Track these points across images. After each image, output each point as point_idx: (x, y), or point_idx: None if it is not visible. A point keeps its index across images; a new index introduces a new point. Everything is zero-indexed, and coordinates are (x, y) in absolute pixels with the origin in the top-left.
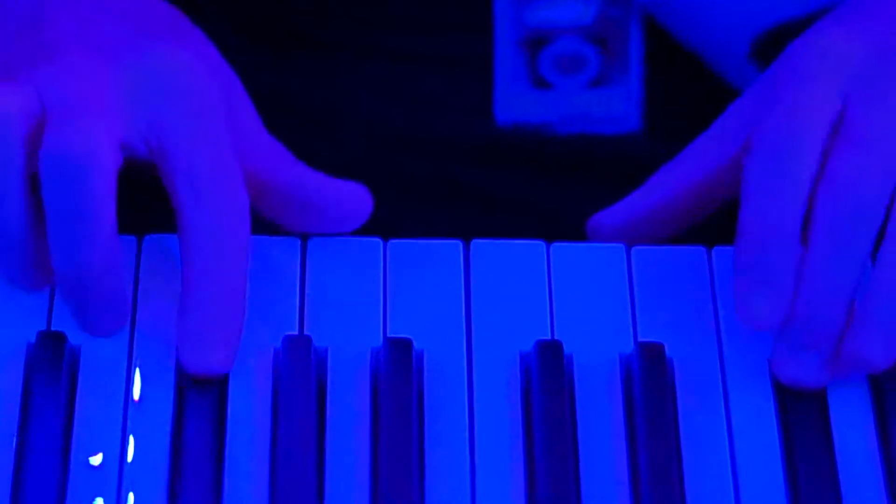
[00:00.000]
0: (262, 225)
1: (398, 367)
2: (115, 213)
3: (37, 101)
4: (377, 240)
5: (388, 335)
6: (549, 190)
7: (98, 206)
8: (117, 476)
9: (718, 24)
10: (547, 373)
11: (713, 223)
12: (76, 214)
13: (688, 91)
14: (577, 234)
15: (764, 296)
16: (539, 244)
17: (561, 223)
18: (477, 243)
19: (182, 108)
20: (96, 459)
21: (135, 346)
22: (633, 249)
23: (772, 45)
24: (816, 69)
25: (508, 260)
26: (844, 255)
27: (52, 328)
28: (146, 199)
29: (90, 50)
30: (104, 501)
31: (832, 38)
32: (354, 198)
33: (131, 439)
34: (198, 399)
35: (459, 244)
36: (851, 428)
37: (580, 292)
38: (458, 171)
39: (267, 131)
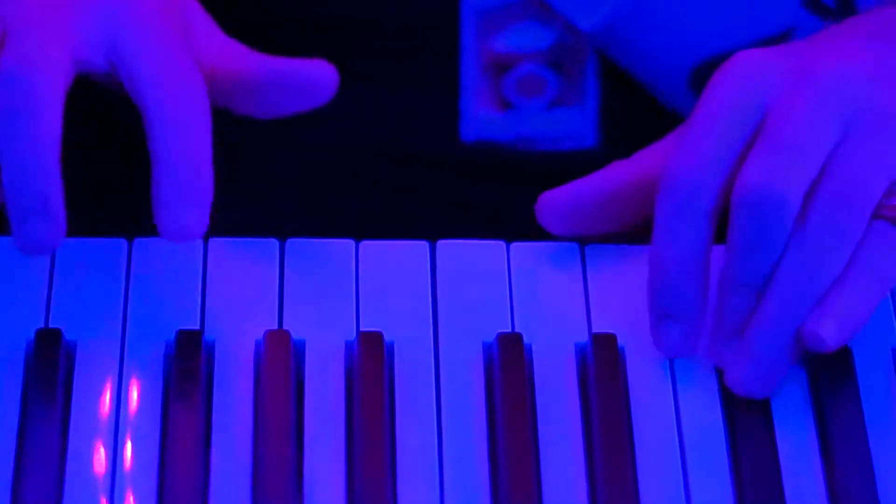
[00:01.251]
0: (243, 226)
1: (370, 358)
2: (60, 123)
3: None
4: (350, 241)
5: (361, 329)
6: (512, 200)
7: (38, 107)
8: (110, 474)
9: (658, 56)
10: (508, 362)
11: None
12: (16, 115)
13: (641, 110)
14: (537, 237)
15: (670, 327)
16: (500, 244)
17: (521, 227)
18: (442, 244)
19: (134, 20)
20: (97, 458)
21: (126, 343)
22: (587, 248)
23: (708, 76)
24: (719, 102)
25: (471, 259)
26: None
27: (50, 325)
28: (137, 203)
29: None
30: (99, 487)
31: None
32: (321, 70)
33: (127, 435)
34: (185, 387)
35: (426, 244)
36: (788, 402)
37: (538, 288)
38: (425, 182)
39: (225, 34)
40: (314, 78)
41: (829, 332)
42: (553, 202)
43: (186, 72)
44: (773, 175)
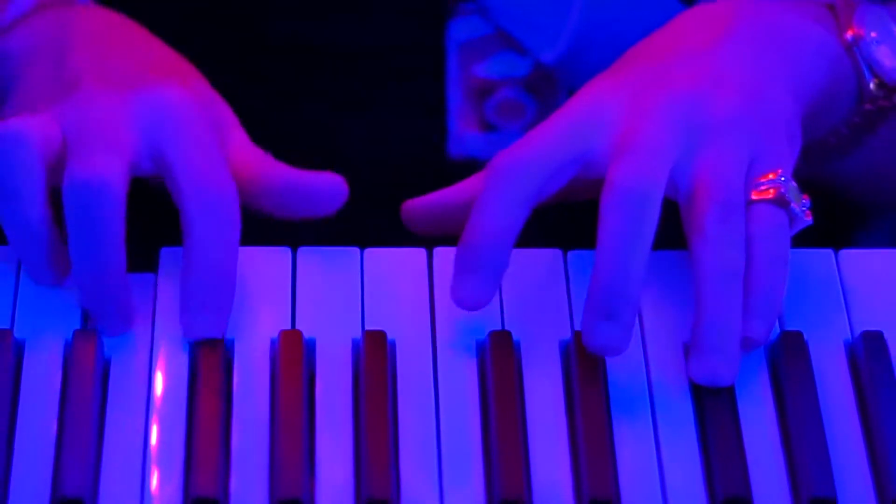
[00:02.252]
0: (259, 236)
1: (374, 354)
2: (124, 225)
3: (58, 130)
4: (355, 249)
5: (366, 328)
6: None
7: (110, 225)
8: (142, 450)
9: None
10: (498, 357)
11: None
12: (91, 228)
13: None
14: (523, 244)
15: (610, 327)
16: None
17: None
18: (438, 250)
19: (178, 130)
20: (131, 437)
21: (154, 342)
22: (569, 254)
23: None
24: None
25: None
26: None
27: (88, 328)
28: (163, 217)
29: (103, 85)
30: (134, 467)
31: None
32: (333, 185)
33: (156, 421)
34: (207, 380)
35: (424, 251)
36: (750, 385)
37: (525, 290)
38: (419, 194)
39: (253, 143)
40: (324, 190)
41: (758, 332)
42: (411, 208)
43: (221, 180)
44: (636, 173)
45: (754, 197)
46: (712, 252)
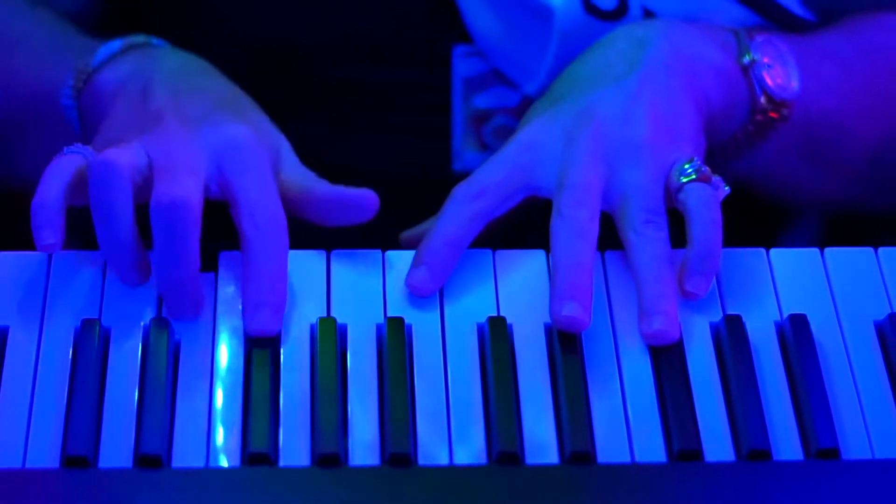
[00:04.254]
0: (300, 242)
1: (395, 337)
2: (199, 238)
3: (144, 157)
4: (378, 251)
5: (388, 315)
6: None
7: (189, 238)
8: (207, 420)
9: None
10: (495, 337)
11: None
12: (174, 241)
13: None
14: (514, 246)
15: (576, 303)
16: (486, 251)
17: (501, 237)
18: None
19: (239, 162)
20: (198, 402)
21: (217, 327)
22: (551, 255)
23: None
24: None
25: (466, 262)
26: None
27: (161, 316)
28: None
29: (181, 122)
30: (200, 428)
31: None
32: (367, 199)
33: (219, 391)
34: (260, 362)
35: None
36: (698, 352)
37: (517, 283)
38: (428, 203)
39: (303, 165)
40: (362, 203)
41: (698, 287)
42: (406, 238)
43: (274, 213)
44: (575, 204)
45: (684, 181)
46: (644, 246)
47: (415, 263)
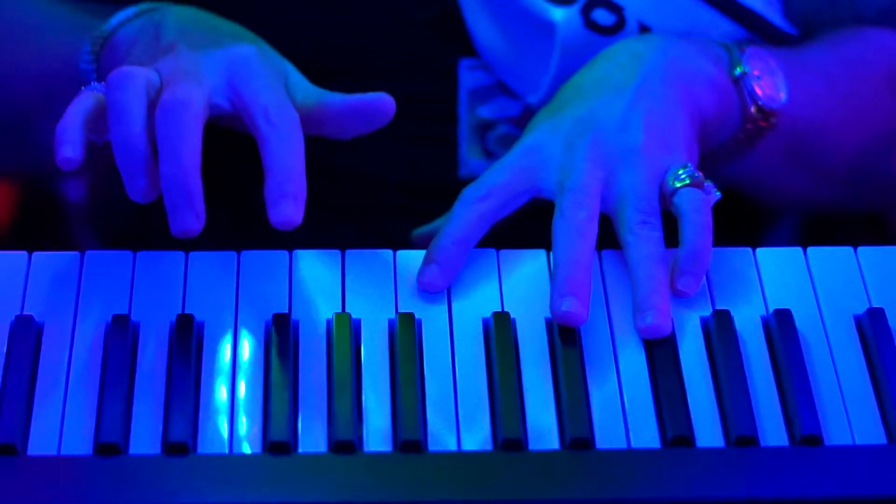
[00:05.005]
0: (316, 243)
1: (406, 331)
2: (200, 138)
3: (157, 76)
4: (389, 251)
5: (399, 311)
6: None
7: (187, 131)
8: (230, 409)
9: None
10: (499, 331)
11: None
12: (173, 136)
13: None
14: (518, 245)
15: (575, 299)
16: (491, 251)
17: (505, 238)
18: None
19: (250, 75)
20: (221, 392)
21: (238, 323)
22: (552, 254)
23: None
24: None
25: (473, 261)
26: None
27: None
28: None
29: (191, 47)
30: (224, 417)
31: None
32: (383, 101)
33: (241, 383)
34: (280, 351)
35: None
36: (690, 344)
37: (519, 280)
38: (435, 207)
39: (312, 85)
40: (378, 107)
41: (687, 286)
42: (417, 236)
43: (286, 111)
44: (576, 206)
45: (678, 185)
46: (639, 245)
47: (426, 262)
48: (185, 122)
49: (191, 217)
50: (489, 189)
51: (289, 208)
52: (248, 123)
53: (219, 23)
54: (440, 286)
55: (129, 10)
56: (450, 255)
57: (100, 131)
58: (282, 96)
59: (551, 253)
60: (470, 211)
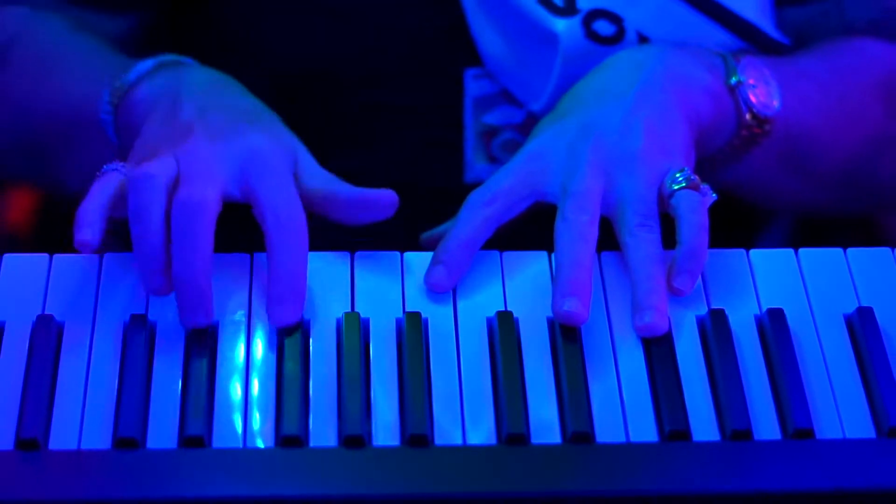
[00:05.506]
0: (325, 245)
1: (413, 329)
2: (212, 237)
3: (175, 167)
4: (397, 252)
5: (406, 310)
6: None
7: (199, 235)
8: (244, 405)
9: None
10: (503, 329)
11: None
12: (187, 237)
13: None
14: (521, 248)
15: (576, 299)
16: (495, 253)
17: (509, 240)
18: None
19: (260, 169)
20: (235, 389)
21: (251, 323)
22: (553, 255)
23: None
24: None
25: (477, 262)
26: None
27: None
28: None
29: (207, 134)
30: (237, 412)
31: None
32: (387, 198)
33: (254, 380)
34: (291, 348)
35: None
36: (686, 341)
37: (522, 280)
38: (442, 210)
39: (322, 168)
40: (382, 202)
41: (684, 285)
42: (425, 239)
43: (293, 213)
44: (578, 209)
45: (675, 188)
46: (638, 246)
47: (433, 263)
48: (198, 225)
49: (200, 314)
50: (494, 193)
51: (287, 311)
52: (258, 218)
53: (236, 99)
54: (447, 287)
55: (149, 63)
56: (456, 256)
57: (120, 210)
58: (291, 195)
59: (553, 255)
60: (476, 215)
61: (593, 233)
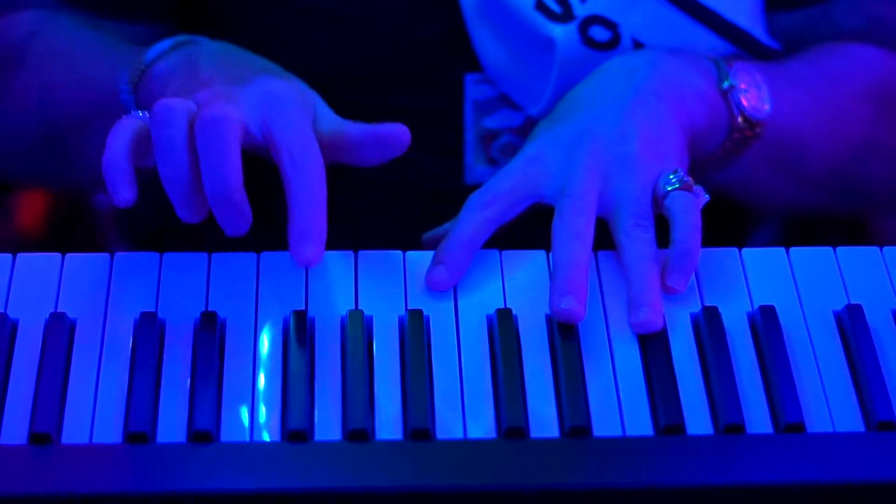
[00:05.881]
0: (331, 244)
1: (415, 326)
2: (239, 152)
3: (194, 105)
4: (399, 252)
5: (408, 308)
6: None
7: (226, 148)
8: (251, 400)
9: None
10: (502, 326)
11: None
12: (213, 154)
13: None
14: (520, 247)
15: (573, 298)
16: (494, 251)
17: (508, 240)
18: None
19: (279, 111)
20: (243, 384)
21: (259, 319)
22: (551, 254)
23: None
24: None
25: (477, 261)
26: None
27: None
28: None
29: (228, 82)
30: (245, 406)
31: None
32: (398, 131)
33: (261, 375)
34: (297, 345)
35: None
36: (681, 338)
37: (521, 279)
38: (443, 211)
39: (337, 115)
40: (394, 137)
41: (677, 283)
42: (426, 238)
43: (312, 153)
44: (576, 210)
45: (669, 189)
46: (633, 246)
47: (434, 263)
48: (223, 137)
49: (241, 223)
50: (494, 195)
51: (309, 249)
52: (276, 159)
53: (251, 58)
54: (447, 286)
55: (165, 43)
56: (456, 256)
57: (142, 156)
58: (308, 136)
59: (551, 254)
60: (476, 216)
61: (590, 233)
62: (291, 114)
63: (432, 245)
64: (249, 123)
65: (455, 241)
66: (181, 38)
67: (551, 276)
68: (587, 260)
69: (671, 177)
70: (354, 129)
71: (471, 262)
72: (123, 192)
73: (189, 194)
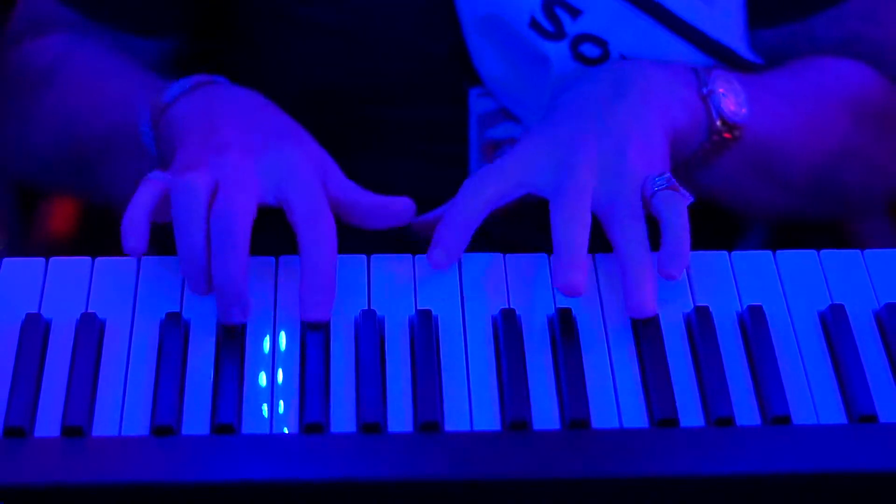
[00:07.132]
0: (348, 246)
1: (424, 326)
2: (248, 243)
3: (213, 180)
4: (409, 255)
5: (418, 308)
6: (504, 228)
7: (236, 240)
8: (270, 395)
9: None
10: (507, 325)
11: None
12: (225, 243)
13: None
14: (524, 251)
15: (574, 272)
16: (499, 255)
17: (512, 245)
18: (465, 256)
19: (293, 179)
20: (262, 380)
21: (277, 317)
22: (552, 258)
23: None
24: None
25: (484, 265)
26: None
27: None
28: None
29: (243, 150)
30: (264, 400)
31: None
32: (403, 204)
33: (280, 371)
34: (314, 347)
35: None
36: (674, 335)
37: (523, 281)
38: None
39: (348, 179)
40: (399, 209)
41: (673, 270)
42: (417, 222)
43: (324, 219)
44: (571, 208)
45: (657, 189)
46: (626, 234)
47: (432, 245)
48: (235, 232)
49: (237, 312)
50: (486, 180)
51: (318, 311)
52: (290, 221)
53: (269, 116)
54: (445, 265)
55: (186, 83)
56: (451, 237)
57: (163, 214)
58: (321, 200)
59: (552, 237)
60: (468, 200)
61: (587, 217)
62: (305, 182)
63: (421, 229)
64: (264, 193)
65: (449, 224)
66: (202, 78)
67: (553, 256)
68: (586, 239)
69: (657, 179)
70: (364, 197)
71: (467, 243)
72: (135, 245)
73: (201, 275)
